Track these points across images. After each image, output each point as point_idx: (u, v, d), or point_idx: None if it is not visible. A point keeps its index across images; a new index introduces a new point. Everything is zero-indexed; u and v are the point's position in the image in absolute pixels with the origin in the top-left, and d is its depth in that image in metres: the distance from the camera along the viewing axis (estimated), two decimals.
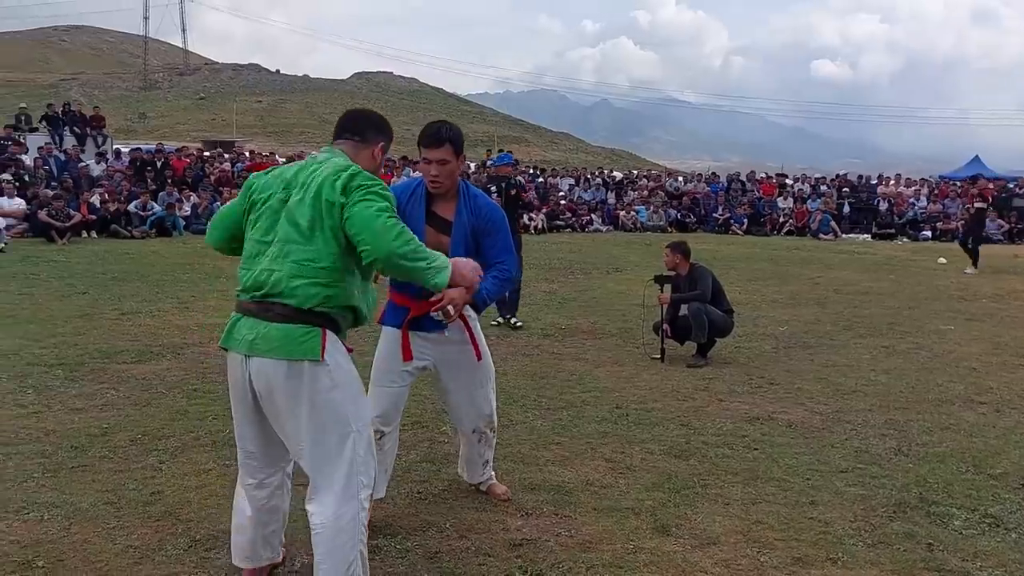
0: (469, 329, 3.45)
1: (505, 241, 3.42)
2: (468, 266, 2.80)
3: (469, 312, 3.47)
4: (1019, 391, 5.95)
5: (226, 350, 2.72)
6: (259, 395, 2.64)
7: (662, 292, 6.94)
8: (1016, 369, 6.66)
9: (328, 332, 2.60)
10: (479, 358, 3.49)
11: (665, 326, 6.90)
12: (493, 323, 7.86)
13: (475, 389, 3.59)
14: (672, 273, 6.97)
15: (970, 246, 14.16)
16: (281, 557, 3.07)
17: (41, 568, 3.07)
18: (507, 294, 8.22)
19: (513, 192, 8.38)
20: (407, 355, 3.39)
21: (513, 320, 8.13)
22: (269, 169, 2.84)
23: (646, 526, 3.51)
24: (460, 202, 3.38)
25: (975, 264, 13.89)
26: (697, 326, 6.68)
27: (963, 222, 17.72)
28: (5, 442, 4.39)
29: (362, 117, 2.90)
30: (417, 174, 3.58)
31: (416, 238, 2.54)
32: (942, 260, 15.21)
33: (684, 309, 6.88)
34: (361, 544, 2.65)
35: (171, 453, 4.32)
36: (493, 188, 8.29)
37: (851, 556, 3.27)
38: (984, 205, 14.82)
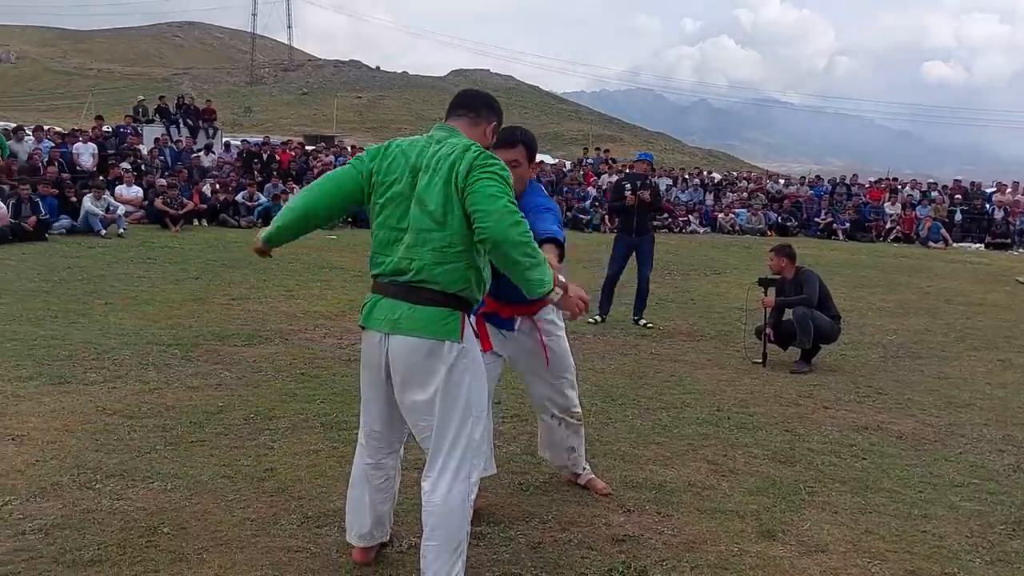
0: (540, 333, 3.52)
1: (551, 218, 3.26)
2: (578, 291, 2.75)
3: (547, 315, 3.56)
4: None
5: (364, 328, 2.79)
6: (393, 372, 2.71)
7: (766, 295, 6.81)
8: None
9: (465, 316, 2.70)
10: (547, 365, 3.57)
11: (768, 330, 6.77)
12: (590, 320, 7.88)
13: (551, 379, 3.67)
14: (777, 276, 6.83)
15: None
16: (388, 537, 3.16)
17: (166, 534, 3.24)
18: (636, 295, 8.18)
19: (648, 192, 8.32)
20: (486, 345, 3.36)
21: (643, 321, 8.10)
22: (386, 145, 2.85)
23: (751, 530, 3.47)
24: (523, 199, 3.26)
25: None
26: (802, 331, 6.53)
27: None
28: (129, 415, 4.64)
29: (476, 95, 2.94)
30: None
31: (531, 234, 2.55)
32: None
33: (788, 314, 6.74)
34: (468, 524, 2.73)
35: (282, 433, 4.48)
36: (627, 185, 8.23)
37: (968, 572, 3.17)
38: None
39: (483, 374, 2.79)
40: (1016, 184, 23.97)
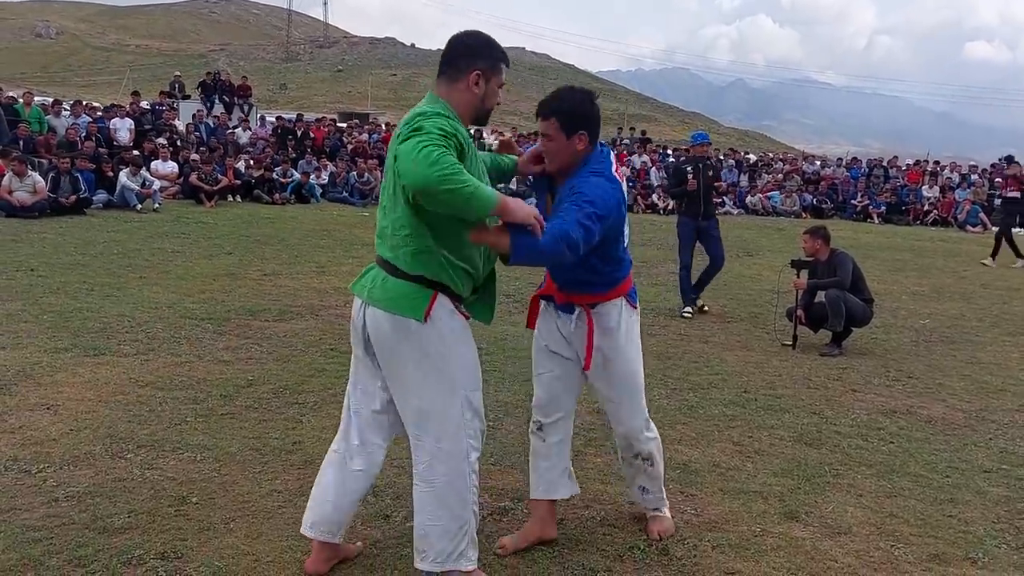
0: (590, 331, 3.00)
1: (577, 201, 2.70)
2: (523, 206, 2.46)
3: (605, 310, 3.02)
4: None
5: (353, 293, 2.75)
6: (371, 341, 2.65)
7: (798, 277, 6.74)
8: None
9: (440, 296, 2.55)
10: (586, 367, 3.04)
11: (799, 312, 6.70)
12: (685, 315, 7.65)
13: (608, 400, 3.14)
14: (810, 259, 6.75)
15: (1008, 238, 13.02)
16: (337, 540, 2.86)
17: (195, 504, 3.31)
18: (704, 274, 8.02)
19: (711, 174, 8.22)
20: (529, 322, 3.21)
21: (699, 303, 7.98)
22: None
23: (774, 511, 3.46)
24: (575, 176, 2.85)
25: (1019, 256, 12.87)
26: (834, 313, 6.46)
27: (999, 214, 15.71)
28: (161, 387, 4.73)
29: (453, 43, 2.62)
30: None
31: (459, 166, 2.28)
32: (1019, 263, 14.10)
33: (820, 296, 6.67)
34: (474, 504, 2.63)
35: (310, 407, 4.54)
36: (689, 168, 8.12)
37: (992, 557, 3.14)
38: (1018, 194, 13.36)
39: (465, 352, 2.62)
40: None
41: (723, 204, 20.84)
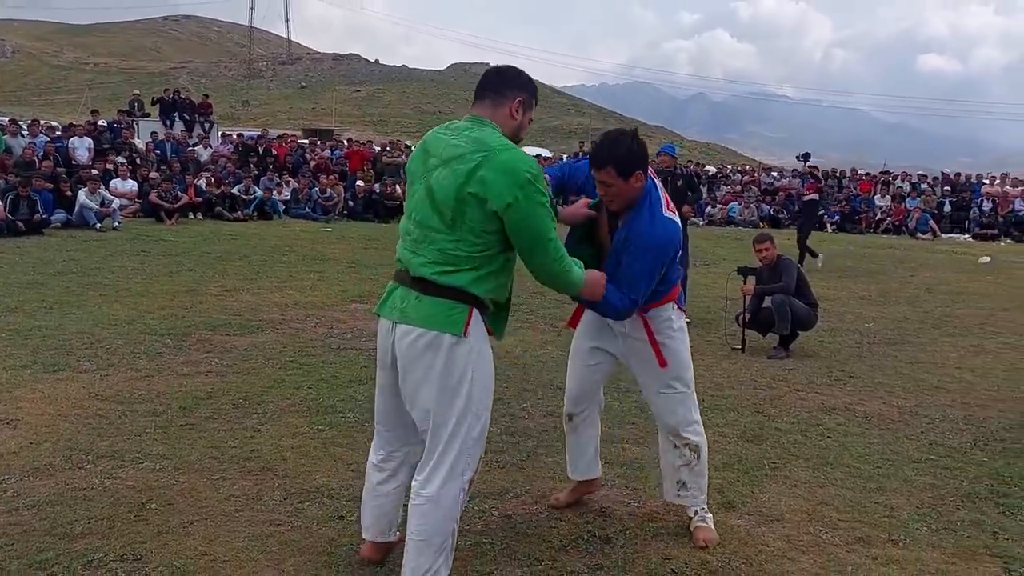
0: (649, 330, 3.20)
1: (639, 268, 3.04)
2: (598, 283, 2.89)
3: (656, 312, 3.23)
4: None
5: (378, 316, 2.75)
6: (397, 362, 2.67)
7: (745, 283, 6.98)
8: None
9: (475, 311, 2.63)
10: (662, 365, 3.20)
11: (746, 315, 6.93)
12: None
13: (654, 392, 3.30)
14: (755, 266, 7.00)
15: (806, 244, 13.00)
16: (395, 538, 3.02)
17: (154, 510, 3.40)
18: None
19: (680, 184, 8.37)
20: (572, 321, 3.46)
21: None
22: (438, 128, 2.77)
23: (713, 502, 3.62)
24: (632, 213, 3.13)
25: (813, 256, 12.80)
26: (780, 318, 6.70)
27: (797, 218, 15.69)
28: (121, 401, 4.80)
29: (497, 72, 2.77)
30: None
31: (567, 259, 2.69)
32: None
33: (768, 301, 6.91)
34: (455, 522, 2.68)
35: (269, 417, 4.64)
36: (657, 180, 8.27)
37: (913, 538, 3.34)
38: (816, 197, 13.69)
39: (488, 372, 2.70)
40: (1004, 176, 24.17)
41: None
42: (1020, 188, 23.08)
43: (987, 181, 24.07)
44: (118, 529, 3.21)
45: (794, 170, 27.49)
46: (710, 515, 3.37)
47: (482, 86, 2.74)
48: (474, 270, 2.58)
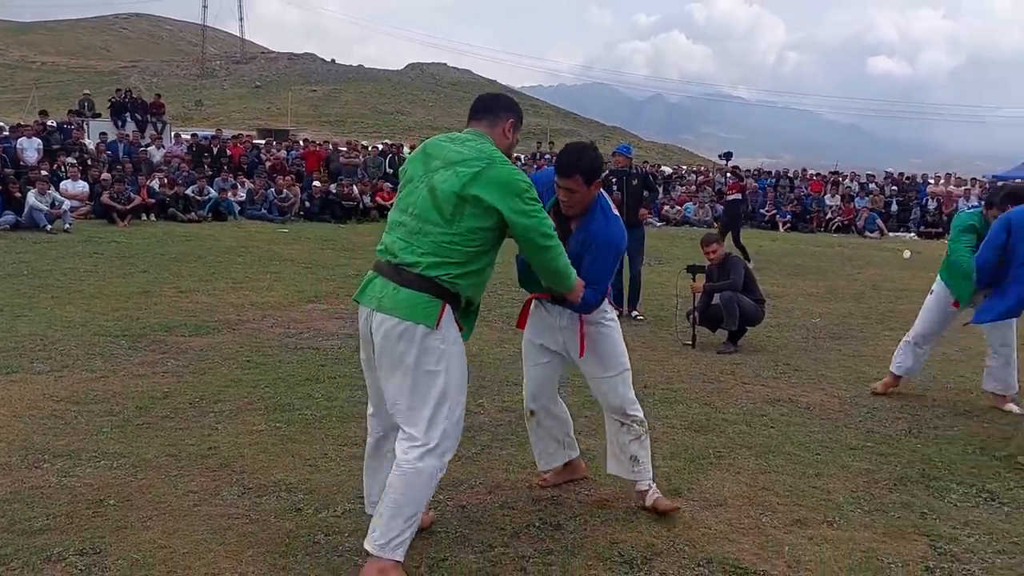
0: (581, 322, 3.46)
1: (601, 264, 3.38)
2: (581, 286, 3.21)
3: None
4: None
5: (358, 304, 2.96)
6: (375, 348, 2.87)
7: (694, 281, 7.16)
8: None
9: (447, 307, 2.84)
10: (581, 354, 3.48)
11: (695, 313, 7.12)
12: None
13: (597, 378, 3.56)
14: (703, 264, 7.19)
15: (740, 243, 13.07)
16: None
17: (112, 506, 3.44)
18: (629, 287, 8.37)
19: (635, 183, 8.53)
20: (520, 323, 3.69)
21: (634, 313, 8.34)
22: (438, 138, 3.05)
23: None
24: (587, 217, 3.40)
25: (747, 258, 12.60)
26: (728, 314, 6.89)
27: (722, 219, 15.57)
28: (76, 401, 4.81)
29: (492, 98, 3.17)
30: None
31: (565, 256, 3.04)
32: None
33: (717, 298, 7.10)
34: (427, 499, 2.87)
35: (226, 415, 4.69)
36: (613, 180, 8.40)
37: (847, 519, 3.52)
38: (739, 196, 13.85)
39: (461, 363, 2.91)
40: (949, 176, 24.89)
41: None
42: (963, 188, 23.79)
43: (932, 181, 24.77)
44: (76, 525, 3.25)
45: (747, 170, 27.98)
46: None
47: (478, 108, 3.09)
48: (461, 265, 2.82)
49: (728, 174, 14.16)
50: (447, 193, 2.80)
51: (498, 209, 2.80)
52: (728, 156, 14.14)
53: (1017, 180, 24.85)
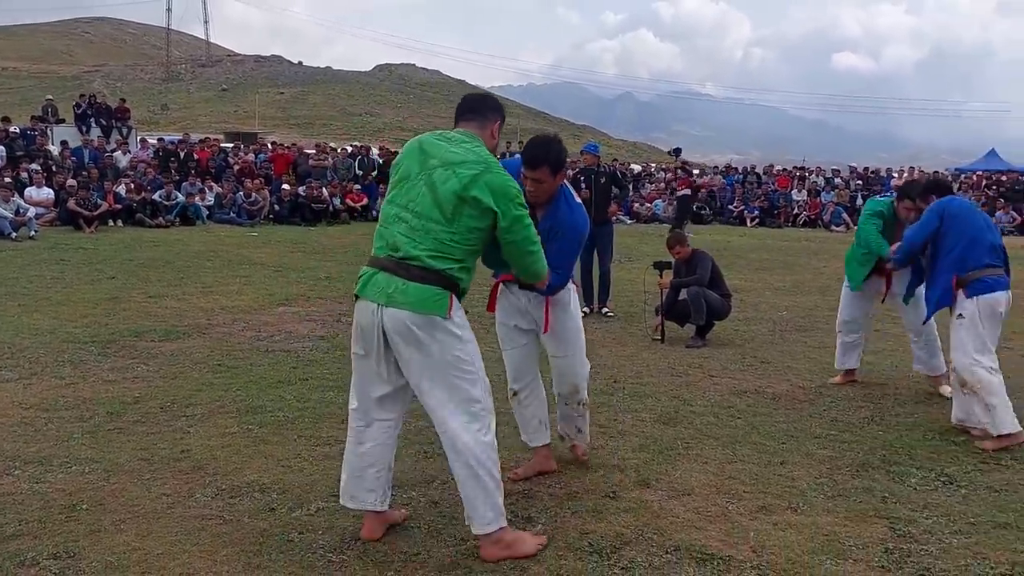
0: (547, 304, 3.74)
1: (567, 250, 3.67)
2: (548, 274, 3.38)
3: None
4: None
5: (358, 298, 3.06)
6: (391, 340, 2.98)
7: (661, 277, 7.26)
8: (1001, 351, 6.90)
9: (454, 297, 3.00)
10: (544, 330, 3.78)
11: (662, 309, 7.21)
12: (583, 311, 8.15)
13: (562, 356, 3.89)
14: (670, 260, 7.30)
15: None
16: (385, 508, 3.28)
17: (85, 510, 3.45)
18: (599, 284, 8.51)
19: (603, 181, 8.63)
20: (489, 306, 3.86)
21: (604, 310, 8.42)
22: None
23: (629, 480, 3.85)
24: (552, 205, 3.65)
25: None
26: (695, 309, 7.00)
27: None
28: (46, 408, 4.79)
29: (480, 99, 3.32)
30: None
31: (541, 251, 3.22)
32: None
33: (684, 293, 7.20)
34: (497, 471, 3.06)
35: (198, 419, 4.69)
36: (582, 179, 8.51)
37: (810, 505, 3.61)
38: (688, 192, 13.99)
39: (474, 341, 3.09)
40: (912, 169, 25.32)
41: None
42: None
43: (896, 175, 25.18)
44: (49, 530, 3.25)
45: (714, 167, 28.26)
46: None
47: (467, 108, 3.24)
48: (459, 262, 2.99)
49: (678, 170, 14.26)
50: (448, 193, 2.94)
51: (495, 212, 2.96)
52: (677, 152, 14.27)
53: (978, 172, 25.35)
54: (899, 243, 5.10)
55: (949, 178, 25.53)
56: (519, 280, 3.57)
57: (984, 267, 4.60)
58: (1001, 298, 4.61)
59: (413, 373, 3.02)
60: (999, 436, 4.40)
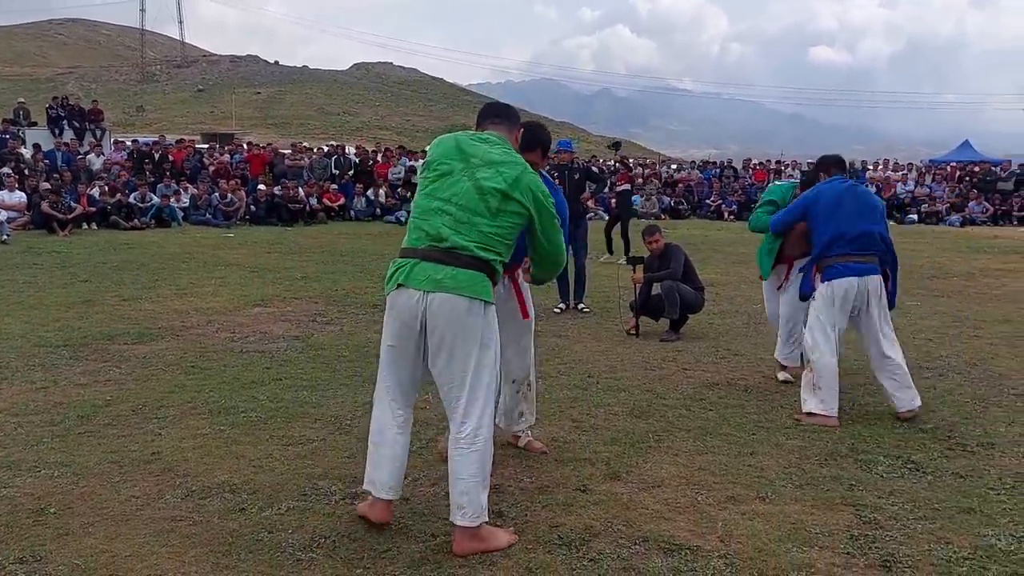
0: (518, 290, 3.97)
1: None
2: None
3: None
4: (967, 359, 6.31)
5: (401, 286, 3.13)
6: (430, 328, 3.09)
7: (635, 272, 7.29)
8: (969, 340, 7.02)
9: (491, 283, 3.18)
10: (524, 316, 3.98)
11: (636, 303, 7.25)
12: (556, 310, 8.24)
13: (514, 346, 4.02)
14: (644, 254, 7.33)
15: (627, 235, 12.79)
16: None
17: (53, 514, 3.43)
18: (575, 281, 8.47)
19: (577, 177, 8.67)
20: (524, 313, 4.03)
21: (580, 306, 8.43)
22: (440, 138, 3.36)
23: (600, 473, 3.88)
24: None
25: (626, 252, 12.07)
26: (669, 303, 7.04)
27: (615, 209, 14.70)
28: (16, 412, 4.75)
29: (504, 106, 3.62)
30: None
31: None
32: None
33: (658, 287, 7.24)
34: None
35: (170, 421, 4.67)
36: (556, 175, 8.53)
37: (778, 494, 3.66)
38: (628, 187, 13.92)
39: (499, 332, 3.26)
40: (887, 161, 25.53)
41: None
42: (901, 172, 24.43)
43: (871, 167, 25.38)
44: (16, 534, 3.23)
45: (692, 162, 28.36)
46: None
47: (494, 113, 3.47)
48: (499, 254, 3.18)
49: (617, 164, 14.24)
50: (493, 191, 3.11)
51: (531, 215, 3.19)
52: (617, 146, 14.24)
53: (953, 163, 25.57)
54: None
55: (921, 168, 25.77)
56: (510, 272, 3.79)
57: (844, 255, 4.78)
58: (846, 284, 4.76)
59: (441, 358, 3.11)
60: (808, 413, 4.70)
